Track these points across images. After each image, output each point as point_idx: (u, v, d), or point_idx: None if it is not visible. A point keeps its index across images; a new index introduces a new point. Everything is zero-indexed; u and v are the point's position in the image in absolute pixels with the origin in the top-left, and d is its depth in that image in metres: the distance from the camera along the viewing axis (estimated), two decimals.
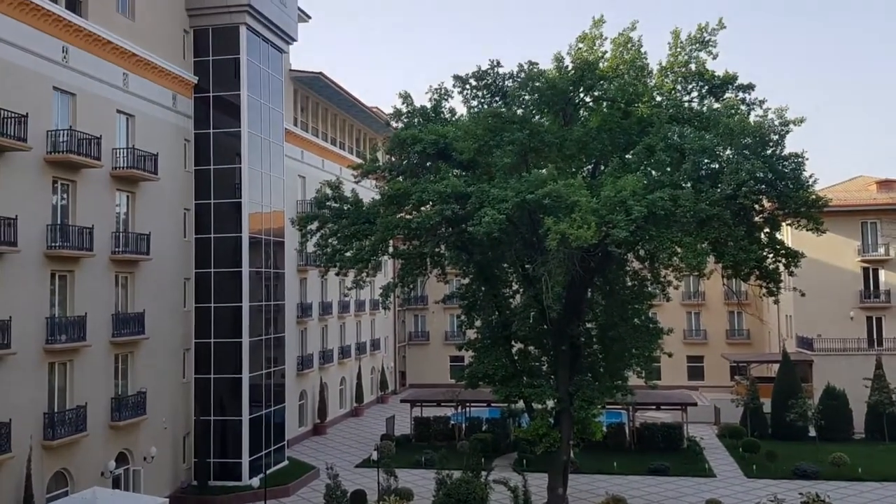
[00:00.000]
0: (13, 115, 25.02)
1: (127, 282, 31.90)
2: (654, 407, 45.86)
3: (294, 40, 42.07)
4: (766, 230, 29.93)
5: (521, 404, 33.29)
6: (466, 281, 34.53)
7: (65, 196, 28.64)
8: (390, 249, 32.59)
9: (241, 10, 36.36)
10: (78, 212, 28.81)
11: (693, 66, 30.15)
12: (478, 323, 33.45)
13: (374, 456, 34.58)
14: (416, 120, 31.65)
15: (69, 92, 28.66)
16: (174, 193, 35.06)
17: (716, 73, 30.21)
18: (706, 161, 28.02)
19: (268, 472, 33.93)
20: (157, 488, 31.82)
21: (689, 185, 27.39)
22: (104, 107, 30.54)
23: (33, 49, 26.75)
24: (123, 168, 31.01)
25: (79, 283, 28.72)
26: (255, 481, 31.53)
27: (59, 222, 27.91)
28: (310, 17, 48.52)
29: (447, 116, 32.09)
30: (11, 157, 25.48)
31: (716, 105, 30.45)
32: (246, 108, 36.73)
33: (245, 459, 35.50)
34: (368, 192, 45.39)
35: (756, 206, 29.06)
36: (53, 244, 27.24)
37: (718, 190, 26.73)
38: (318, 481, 36.30)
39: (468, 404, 46.11)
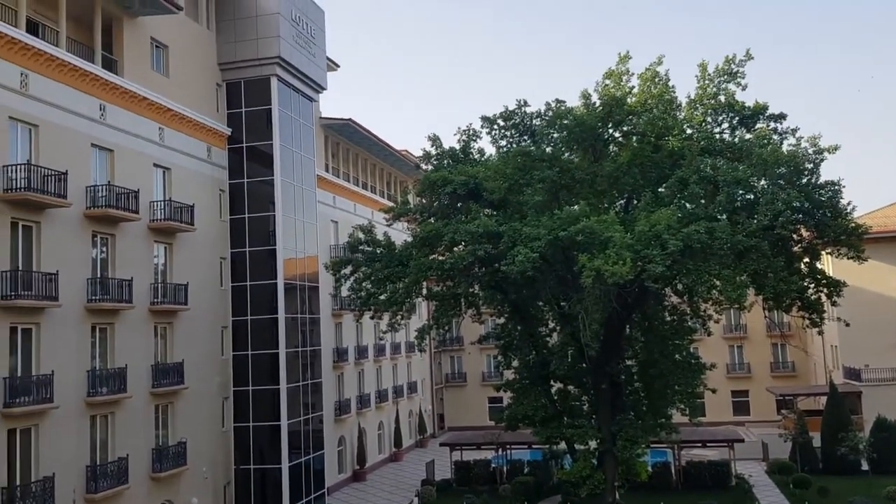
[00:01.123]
0: (53, 172, 25.68)
1: (166, 332, 32.24)
2: (699, 444, 44.71)
3: (324, 89, 42.81)
4: (806, 260, 29.43)
5: (562, 445, 32.77)
6: (502, 320, 34.38)
7: (104, 249, 29.18)
8: (424, 291, 32.59)
9: (271, 63, 37.15)
10: (117, 264, 29.31)
11: (722, 98, 30.07)
12: (515, 363, 33.18)
13: (416, 502, 34.14)
14: (445, 161, 31.91)
15: (107, 148, 29.37)
16: (210, 243, 35.55)
17: (746, 104, 30.07)
18: (741, 192, 27.76)
19: None
20: None
21: (724, 216, 27.09)
22: (141, 161, 31.24)
23: (72, 108, 27.54)
24: (161, 220, 31.57)
25: (119, 335, 29.09)
26: None
27: (98, 276, 28.39)
28: (338, 66, 49.40)
29: (476, 157, 32.30)
30: (52, 213, 26.09)
31: (748, 136, 30.25)
32: (278, 156, 37.32)
33: None
34: (401, 234, 45.61)
35: (794, 236, 28.64)
36: (94, 298, 27.68)
37: (755, 221, 26.39)
38: None
39: (509, 446, 45.40)
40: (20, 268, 24.79)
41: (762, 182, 28.06)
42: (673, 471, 43.01)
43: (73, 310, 26.78)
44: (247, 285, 36.75)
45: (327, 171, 48.24)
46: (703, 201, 27.69)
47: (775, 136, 29.77)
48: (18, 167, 24.65)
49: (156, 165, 32.24)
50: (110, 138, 29.49)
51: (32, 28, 26.90)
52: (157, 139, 32.35)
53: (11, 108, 24.99)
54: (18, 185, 24.44)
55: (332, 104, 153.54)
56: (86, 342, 27.48)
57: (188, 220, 32.83)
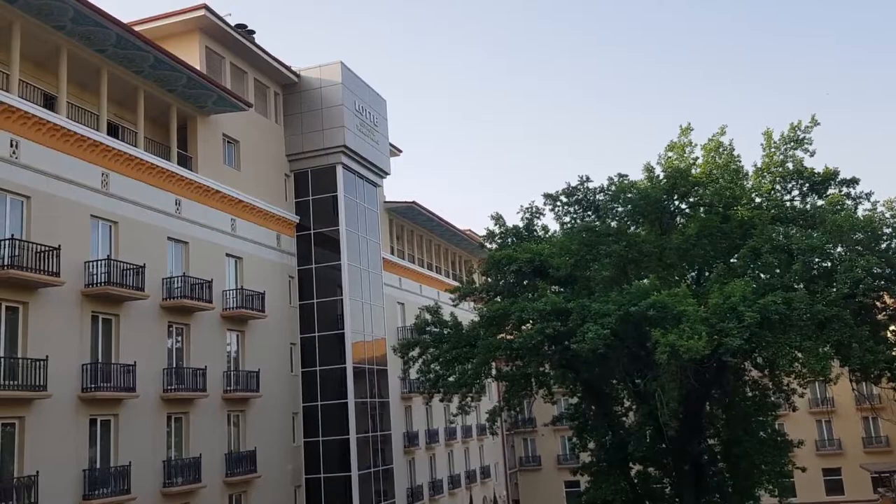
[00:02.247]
0: (132, 266, 26.64)
1: (238, 419, 32.47)
2: None
3: (387, 174, 43.77)
4: (893, 328, 28.00)
5: None
6: (575, 400, 33.48)
7: (179, 339, 29.86)
8: (493, 371, 32.12)
9: (337, 152, 38.33)
10: (191, 353, 29.91)
11: (790, 165, 29.47)
12: (591, 444, 32.11)
13: None
14: (509, 240, 31.87)
15: (182, 241, 30.42)
16: (281, 329, 36.06)
17: (815, 170, 29.39)
18: (817, 260, 26.82)
19: None
20: None
21: (801, 286, 26.12)
22: (214, 252, 32.20)
23: (149, 204, 28.75)
24: (233, 308, 32.25)
25: (193, 423, 29.42)
26: None
27: (174, 365, 28.98)
28: (401, 151, 50.58)
29: (540, 234, 32.19)
30: (131, 305, 26.94)
31: (819, 202, 29.46)
32: (345, 242, 38.02)
33: None
34: (467, 314, 45.46)
35: (877, 304, 27.37)
36: (169, 387, 28.19)
37: (834, 289, 25.36)
38: None
39: None
40: (100, 360, 25.50)
41: (839, 249, 27.12)
42: None
43: (150, 400, 27.29)
44: (316, 370, 36.97)
45: (392, 253, 48.82)
46: (777, 271, 26.82)
47: (849, 202, 28.90)
48: (99, 262, 25.67)
49: (228, 255, 33.17)
50: (185, 231, 30.57)
51: (113, 130, 28.47)
52: (230, 230, 33.38)
53: (93, 206, 26.23)
54: (99, 280, 25.40)
55: (395, 188, 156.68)
56: (161, 432, 27.86)
57: (259, 308, 33.45)
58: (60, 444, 23.49)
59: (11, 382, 21.87)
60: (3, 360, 21.92)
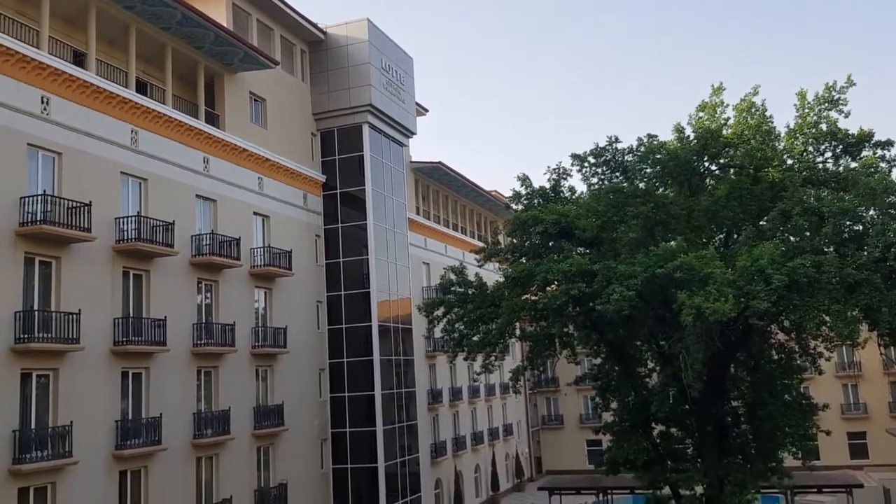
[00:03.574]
0: (161, 223, 26.98)
1: (266, 375, 33.06)
2: (814, 490, 42.10)
3: (413, 134, 43.61)
4: None
5: (667, 491, 31.41)
6: (598, 361, 33.51)
7: (208, 295, 30.33)
8: (517, 332, 32.22)
9: (363, 111, 38.23)
10: (220, 309, 30.38)
11: (824, 127, 28.82)
12: (613, 404, 32.19)
13: None
14: (535, 201, 31.66)
15: (210, 198, 30.70)
16: (307, 287, 36.45)
17: (849, 132, 28.73)
18: (848, 223, 26.35)
19: None
20: None
21: (831, 249, 25.73)
22: (242, 210, 32.48)
23: (178, 161, 29.00)
24: (261, 266, 32.62)
25: (222, 377, 30.01)
26: None
27: (203, 320, 29.48)
28: (427, 111, 50.31)
29: (567, 195, 31.93)
30: (160, 262, 27.36)
31: (853, 164, 28.84)
32: (371, 201, 38.13)
33: None
34: (492, 274, 45.50)
35: None
36: (199, 342, 28.73)
37: (865, 253, 24.94)
38: None
39: (610, 492, 44.05)
40: (131, 314, 26.01)
41: (871, 212, 26.61)
42: None
43: (180, 354, 27.84)
44: (342, 328, 37.42)
45: (418, 213, 48.88)
46: (807, 234, 26.40)
47: (883, 164, 28.24)
48: (129, 219, 26.04)
49: (255, 214, 33.44)
50: (213, 189, 30.82)
51: (141, 87, 28.62)
52: (257, 188, 33.60)
53: (123, 163, 26.53)
54: (129, 236, 25.79)
55: (421, 148, 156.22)
56: (191, 385, 28.46)
57: (286, 266, 33.80)
58: (93, 396, 24.12)
59: (46, 335, 22.41)
60: (37, 313, 22.44)
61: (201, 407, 28.99)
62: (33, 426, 22.28)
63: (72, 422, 22.93)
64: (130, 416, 25.66)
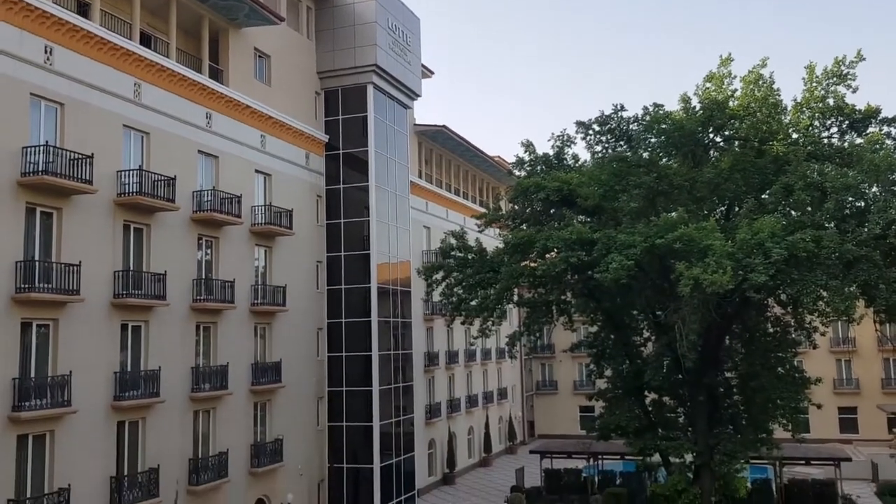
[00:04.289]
0: (163, 177, 26.95)
1: (265, 332, 33.30)
2: (803, 462, 42.64)
3: (418, 96, 43.31)
4: None
5: (657, 458, 31.90)
6: (594, 329, 33.79)
7: (209, 252, 30.41)
8: (515, 298, 32.41)
9: (368, 71, 37.91)
10: (220, 266, 30.49)
11: (831, 101, 28.69)
12: (608, 372, 32.57)
13: None
14: (538, 167, 31.67)
15: (212, 154, 30.61)
16: (307, 247, 36.53)
17: (856, 108, 28.60)
18: (850, 199, 26.41)
19: None
20: None
21: (832, 225, 25.82)
22: (244, 167, 32.41)
23: (180, 116, 28.85)
24: (261, 224, 32.65)
25: (221, 333, 30.23)
26: None
27: (203, 276, 29.60)
28: (433, 73, 49.89)
29: (570, 163, 31.95)
30: (162, 216, 27.38)
31: (858, 140, 28.78)
32: (373, 163, 38.01)
33: None
34: (492, 240, 45.59)
35: None
36: (199, 298, 28.88)
37: (865, 229, 25.03)
38: None
39: (600, 457, 44.61)
40: (131, 268, 26.12)
41: (874, 189, 26.64)
42: (774, 488, 41.25)
43: (180, 309, 28.00)
44: (341, 289, 37.59)
45: (420, 177, 48.75)
46: (809, 209, 26.48)
47: (889, 141, 28.22)
48: (131, 172, 25.99)
49: (257, 171, 33.38)
50: (215, 145, 30.72)
51: (145, 40, 28.36)
52: (259, 146, 33.49)
53: (126, 116, 26.39)
54: (131, 190, 25.77)
55: (426, 111, 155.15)
56: (190, 340, 28.67)
57: (287, 225, 33.83)
58: (93, 347, 24.32)
59: (46, 285, 22.51)
60: (38, 263, 22.52)
61: (200, 362, 29.24)
62: (33, 375, 22.49)
63: (71, 371, 23.16)
64: (129, 369, 25.89)
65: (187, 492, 27.60)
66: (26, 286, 21.99)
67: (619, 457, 43.36)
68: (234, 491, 29.99)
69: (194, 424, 28.65)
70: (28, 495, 21.88)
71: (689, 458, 29.02)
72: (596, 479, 44.54)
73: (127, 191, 25.74)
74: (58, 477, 22.70)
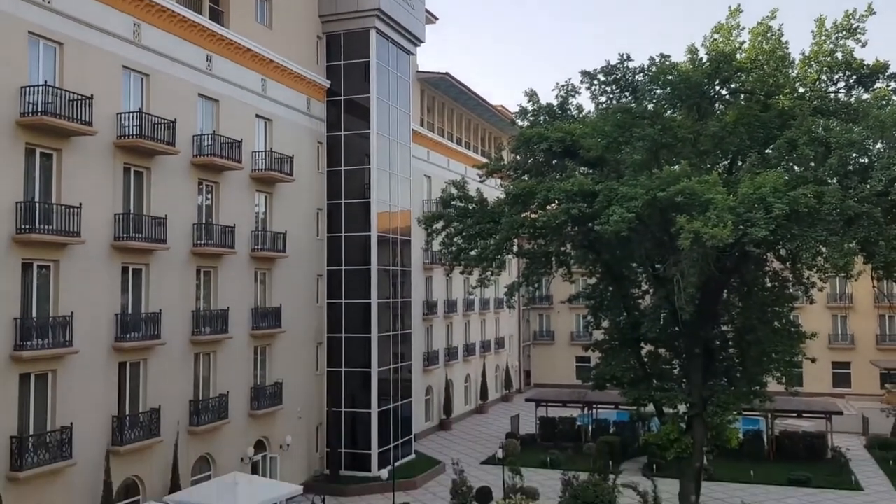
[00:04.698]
0: (163, 120, 26.74)
1: (265, 278, 33.46)
2: (795, 415, 43.39)
3: (421, 42, 42.72)
4: None
5: (650, 408, 32.34)
6: (593, 281, 33.87)
7: (209, 196, 30.36)
8: (515, 248, 32.42)
9: (370, 15, 37.30)
10: (221, 211, 30.48)
11: (839, 55, 28.26)
12: (605, 324, 32.74)
13: (500, 454, 34.62)
14: (542, 118, 31.34)
15: (213, 98, 30.33)
16: (308, 194, 36.46)
17: (864, 62, 28.20)
18: (854, 155, 26.19)
19: (395, 464, 34.67)
20: (292, 475, 33.18)
21: (835, 180, 25.67)
22: (244, 112, 32.13)
23: (180, 58, 28.50)
24: (262, 170, 32.52)
25: (221, 278, 30.38)
26: (384, 473, 32.30)
27: (203, 221, 29.61)
28: (437, 19, 49.13)
29: (574, 113, 31.59)
30: (162, 160, 27.26)
31: (865, 96, 28.44)
32: (375, 110, 37.67)
33: (374, 451, 36.47)
34: (493, 191, 45.40)
35: None
36: (199, 242, 28.94)
37: (868, 186, 24.90)
38: (444, 476, 36.77)
39: (595, 406, 45.35)
40: (132, 211, 26.10)
41: (878, 145, 26.42)
42: (765, 440, 42.01)
43: (180, 253, 28.09)
44: (342, 236, 37.64)
45: (422, 125, 48.41)
46: (812, 164, 26.26)
47: (895, 97, 27.87)
48: (131, 115, 25.79)
49: (258, 116, 33.12)
50: (216, 88, 30.41)
51: None
52: (260, 90, 33.16)
53: (125, 57, 26.08)
54: (131, 133, 25.60)
55: (429, 58, 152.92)
56: (191, 284, 28.83)
57: (288, 171, 33.71)
58: (94, 289, 24.46)
59: (46, 227, 22.53)
60: (38, 204, 22.50)
61: (200, 306, 29.44)
62: (34, 315, 22.67)
63: (72, 313, 23.33)
64: (130, 311, 26.08)
65: (188, 432, 28.08)
66: (27, 227, 22.02)
67: (612, 406, 44.08)
68: (234, 432, 30.50)
69: (195, 367, 29.00)
70: (31, 432, 22.26)
71: (682, 408, 29.40)
72: (590, 427, 45.33)
73: (127, 133, 25.58)
74: (60, 415, 23.07)
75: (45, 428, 22.77)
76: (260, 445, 32.43)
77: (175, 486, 26.74)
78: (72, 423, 23.06)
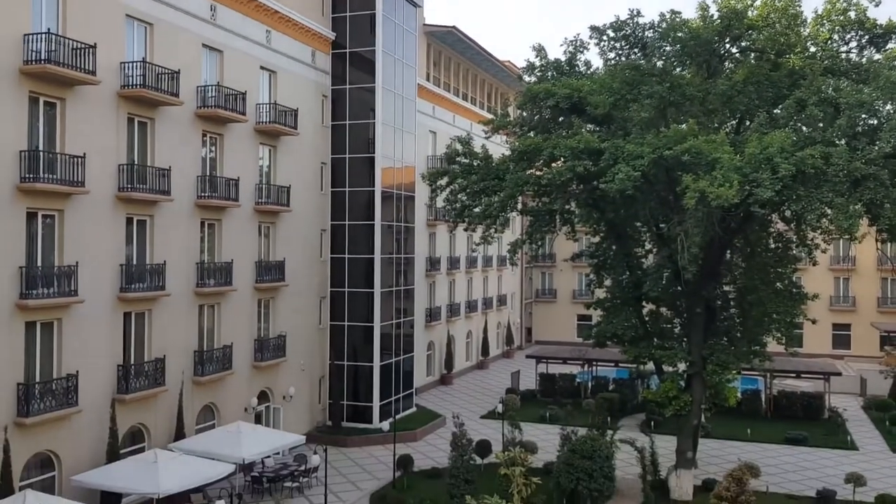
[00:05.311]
0: (167, 71, 26.50)
1: (269, 231, 33.51)
2: (793, 375, 43.77)
3: None
4: None
5: (650, 366, 32.63)
6: (597, 239, 33.90)
7: (213, 149, 30.25)
8: (519, 206, 32.36)
9: None
10: (225, 164, 30.39)
11: (852, 14, 27.83)
12: (607, 282, 32.85)
13: (499, 408, 35.03)
14: (549, 73, 31.02)
15: (217, 49, 30.01)
16: (312, 148, 36.30)
17: (878, 22, 27.78)
18: (864, 117, 25.94)
19: (396, 417, 35.13)
20: (294, 426, 33.66)
21: (843, 142, 25.48)
22: (248, 63, 31.82)
23: (184, 7, 28.13)
24: (266, 123, 32.33)
25: (225, 231, 30.44)
26: (385, 425, 32.75)
27: (207, 174, 29.55)
28: None
29: (582, 70, 31.26)
30: (165, 111, 27.09)
31: (877, 56, 28.08)
32: (380, 63, 37.27)
33: (376, 403, 36.93)
34: (499, 147, 45.19)
35: None
36: (203, 194, 28.91)
37: (876, 148, 24.73)
38: (444, 429, 37.25)
39: (595, 363, 45.74)
40: (136, 162, 26.04)
41: (888, 107, 26.17)
42: (763, 399, 42.45)
43: (184, 205, 28.10)
44: (346, 191, 37.56)
45: (428, 80, 47.93)
46: (821, 125, 26.04)
47: None
48: (135, 64, 25.55)
49: (262, 68, 32.81)
50: (220, 39, 30.08)
51: None
52: (265, 41, 32.79)
53: (128, 5, 25.73)
54: (135, 83, 25.40)
55: (436, 11, 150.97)
56: (195, 236, 28.90)
57: (292, 124, 33.51)
58: (98, 240, 24.53)
59: (50, 176, 22.50)
60: (42, 153, 22.43)
61: (204, 258, 29.55)
62: (39, 264, 22.78)
63: (77, 262, 23.44)
64: (135, 262, 26.20)
65: (193, 382, 28.43)
66: (31, 176, 21.99)
67: (612, 364, 44.47)
68: (238, 383, 30.88)
69: (199, 319, 29.23)
70: (37, 380, 22.55)
71: (682, 367, 29.65)
72: (589, 384, 45.79)
73: (131, 83, 25.38)
74: (66, 363, 23.34)
75: (51, 376, 23.06)
76: (263, 396, 32.86)
77: (180, 434, 27.17)
78: (77, 372, 23.34)
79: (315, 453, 25.61)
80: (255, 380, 32.21)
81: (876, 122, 26.28)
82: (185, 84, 27.50)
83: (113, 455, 24.30)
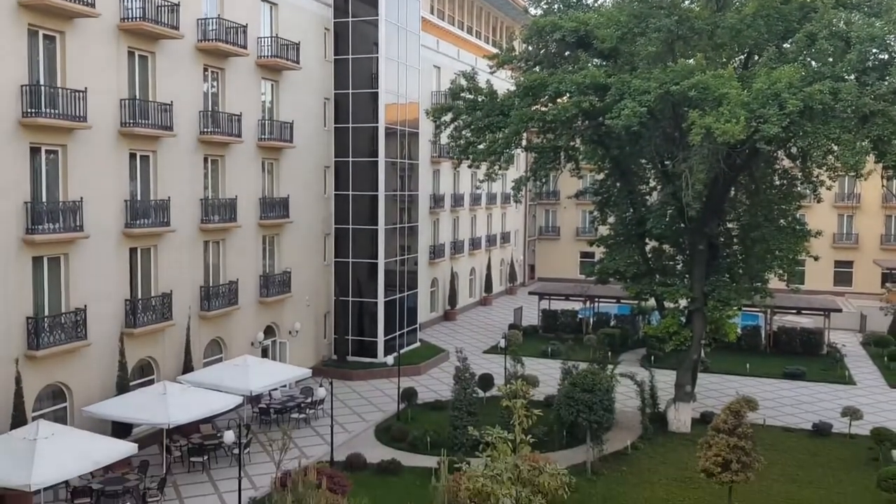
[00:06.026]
0: (166, 3, 26.05)
1: (272, 168, 33.43)
2: (794, 311, 44.15)
3: None
4: None
5: (651, 302, 32.91)
6: (601, 176, 33.78)
7: (214, 84, 29.94)
8: (524, 143, 32.15)
9: None
10: (227, 99, 30.13)
11: None
12: (611, 219, 32.88)
13: (502, 343, 35.50)
14: (556, 6, 30.47)
15: None
16: (315, 83, 35.89)
17: None
18: (874, 51, 25.48)
19: (401, 351, 35.65)
20: (300, 360, 34.22)
21: (852, 77, 25.11)
22: None
23: None
24: (268, 57, 31.91)
25: (229, 167, 30.38)
26: (390, 359, 33.27)
27: (210, 109, 29.33)
28: None
29: (589, 2, 30.70)
30: (166, 44, 26.73)
31: None
32: None
33: (380, 339, 37.44)
34: (504, 83, 44.57)
35: None
36: (206, 130, 28.76)
37: (886, 83, 24.40)
38: (448, 363, 37.87)
39: (597, 300, 46.13)
40: (137, 97, 25.84)
41: None
42: (763, 335, 42.93)
43: (187, 140, 27.99)
44: (349, 127, 37.31)
45: (432, 13, 47.06)
46: (830, 59, 25.61)
47: None
48: None
49: (263, 0, 32.19)
50: None
51: None
52: None
53: None
54: (134, 15, 25.01)
55: None
56: (199, 172, 28.87)
57: (294, 59, 33.08)
58: (102, 175, 24.52)
59: (52, 111, 22.37)
60: (43, 88, 22.25)
61: (208, 194, 29.57)
62: (44, 200, 22.84)
63: (82, 198, 23.49)
64: (139, 198, 26.25)
65: (199, 317, 28.80)
66: (33, 111, 21.87)
67: (614, 300, 44.84)
68: (244, 318, 31.27)
69: (205, 254, 29.43)
70: (46, 313, 22.86)
71: (683, 303, 29.89)
72: (591, 320, 46.26)
73: (130, 16, 25.00)
74: (73, 298, 23.62)
75: (60, 310, 23.37)
76: (269, 331, 33.32)
77: (188, 368, 27.67)
78: (85, 306, 23.63)
79: (321, 386, 26.11)
80: (262, 315, 32.61)
81: (887, 56, 25.85)
82: (185, 17, 27.07)
83: (123, 387, 24.81)
